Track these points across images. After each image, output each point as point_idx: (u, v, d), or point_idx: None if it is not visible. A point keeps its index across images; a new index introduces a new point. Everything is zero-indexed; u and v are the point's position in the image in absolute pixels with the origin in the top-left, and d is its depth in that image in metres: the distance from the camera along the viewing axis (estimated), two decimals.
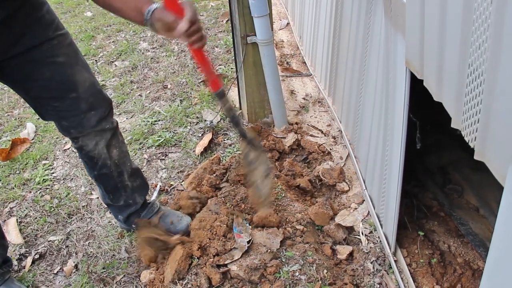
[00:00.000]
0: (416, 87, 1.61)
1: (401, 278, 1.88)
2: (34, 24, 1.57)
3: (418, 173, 2.47)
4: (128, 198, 2.07)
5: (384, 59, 1.90)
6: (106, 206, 2.31)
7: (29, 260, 2.19)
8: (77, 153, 2.93)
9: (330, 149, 2.70)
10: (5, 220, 2.44)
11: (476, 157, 1.10)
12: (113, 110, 1.89)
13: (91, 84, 1.73)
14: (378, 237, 2.10)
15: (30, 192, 2.65)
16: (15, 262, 2.17)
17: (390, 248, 1.98)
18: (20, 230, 2.37)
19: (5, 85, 3.65)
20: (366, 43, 2.20)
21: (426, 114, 2.12)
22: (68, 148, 3.04)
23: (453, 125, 1.24)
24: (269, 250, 1.93)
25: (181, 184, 2.51)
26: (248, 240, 1.95)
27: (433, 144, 2.63)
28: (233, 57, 2.99)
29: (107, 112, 1.82)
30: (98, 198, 2.53)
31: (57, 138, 3.17)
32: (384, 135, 1.98)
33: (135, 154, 2.84)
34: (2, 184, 2.74)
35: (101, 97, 1.79)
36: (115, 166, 1.94)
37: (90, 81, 1.73)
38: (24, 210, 2.51)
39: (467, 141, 1.15)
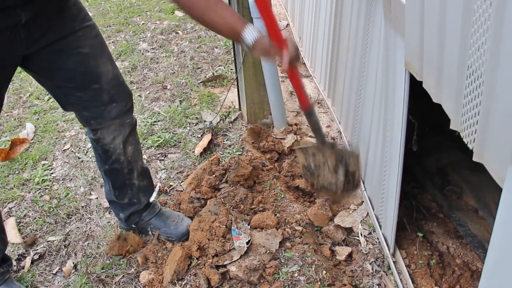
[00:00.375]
0: (416, 88, 1.61)
1: (400, 279, 1.89)
2: (60, 17, 1.60)
3: (417, 174, 2.48)
4: (133, 197, 2.08)
5: (384, 61, 1.91)
6: (108, 204, 2.32)
7: (28, 261, 2.18)
8: (75, 154, 2.94)
9: None
10: (4, 220, 2.44)
11: (475, 158, 1.11)
12: (133, 104, 1.91)
13: (114, 76, 1.75)
14: (377, 238, 2.10)
15: (29, 192, 2.65)
16: (14, 263, 2.17)
17: (389, 249, 1.98)
18: (19, 230, 2.37)
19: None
20: (365, 44, 2.20)
21: (425, 116, 2.12)
22: (68, 149, 3.04)
23: (452, 126, 1.25)
24: (268, 251, 1.94)
25: (181, 185, 2.52)
26: (247, 241, 1.95)
27: (432, 145, 2.63)
28: (233, 58, 2.99)
29: (128, 106, 1.86)
30: (97, 198, 2.53)
31: (56, 138, 3.16)
32: (383, 136, 1.98)
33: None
34: (1, 184, 2.74)
35: (123, 90, 1.82)
36: (128, 163, 1.96)
37: (114, 73, 1.75)
38: (23, 210, 2.51)
39: (466, 143, 1.16)
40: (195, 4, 1.45)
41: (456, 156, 2.54)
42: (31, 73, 1.72)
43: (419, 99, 1.71)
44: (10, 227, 2.38)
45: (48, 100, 3.66)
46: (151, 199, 2.20)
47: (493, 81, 0.97)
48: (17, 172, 2.84)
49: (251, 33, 1.45)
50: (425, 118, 2.14)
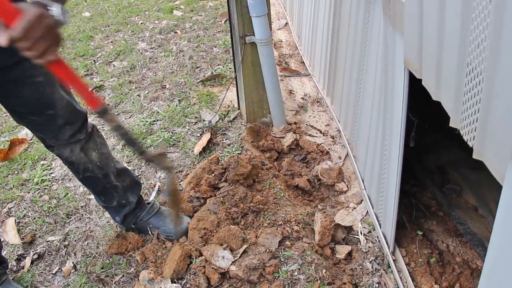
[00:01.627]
0: (415, 86, 1.61)
1: (400, 278, 1.88)
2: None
3: (417, 172, 2.47)
4: (120, 199, 2.07)
5: (383, 59, 1.90)
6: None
7: (27, 261, 2.18)
8: None
9: (329, 149, 2.70)
10: (3, 220, 2.43)
11: (474, 156, 1.10)
12: (87, 119, 1.89)
13: (67, 102, 1.74)
14: (377, 236, 2.10)
15: (29, 192, 2.65)
16: (13, 263, 2.17)
17: (388, 248, 1.98)
18: (18, 230, 2.37)
19: None
20: (364, 42, 2.20)
21: (424, 114, 2.12)
22: None
23: (451, 124, 1.24)
24: (267, 250, 1.93)
25: (180, 184, 2.51)
26: None
27: (432, 143, 2.63)
28: (232, 57, 2.98)
29: (81, 124, 1.84)
30: None
31: None
32: (382, 134, 1.98)
33: (133, 154, 2.84)
34: (0, 184, 2.73)
35: (76, 114, 1.81)
36: (98, 168, 1.94)
37: (66, 99, 1.74)
38: (23, 211, 2.50)
39: (466, 140, 1.15)
40: None
41: (455, 154, 2.54)
42: None
43: (418, 97, 1.71)
44: (10, 227, 2.38)
45: None
46: (151, 199, 2.20)
47: (493, 78, 0.97)
48: (16, 172, 2.84)
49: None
50: (425, 116, 2.14)
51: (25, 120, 1.74)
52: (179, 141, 2.91)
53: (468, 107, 1.12)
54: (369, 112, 2.18)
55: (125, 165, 2.41)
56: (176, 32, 4.75)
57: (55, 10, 1.27)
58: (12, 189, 2.68)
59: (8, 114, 3.47)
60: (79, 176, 1.98)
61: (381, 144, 2.00)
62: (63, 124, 1.75)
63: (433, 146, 2.62)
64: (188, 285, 1.86)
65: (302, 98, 3.29)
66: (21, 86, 1.61)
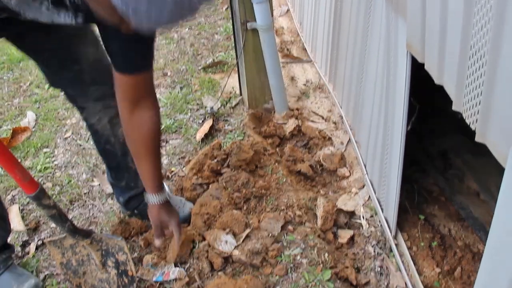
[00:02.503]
0: (417, 72, 1.61)
1: (402, 261, 1.90)
2: None
3: (419, 158, 2.48)
4: (130, 181, 2.08)
5: (385, 43, 1.90)
6: (109, 190, 2.35)
7: (32, 247, 2.20)
8: (76, 141, 2.95)
9: (331, 135, 2.71)
10: (8, 207, 2.45)
11: (477, 139, 1.11)
12: None
13: (96, 59, 1.74)
14: (379, 221, 2.11)
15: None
16: (18, 249, 2.18)
17: (390, 232, 1.99)
18: (22, 217, 2.38)
19: (4, 75, 3.63)
20: (366, 27, 2.19)
21: (426, 99, 2.12)
22: (69, 136, 3.04)
23: (454, 108, 1.25)
24: (270, 234, 1.94)
25: (182, 170, 2.52)
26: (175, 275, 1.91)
27: (434, 129, 2.63)
28: (233, 44, 2.98)
29: (111, 88, 1.83)
30: (99, 185, 2.54)
31: (57, 126, 3.17)
32: (385, 119, 1.98)
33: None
34: (3, 172, 2.74)
35: (108, 74, 1.79)
36: (120, 144, 1.95)
37: (96, 56, 1.73)
38: (26, 198, 2.52)
39: (468, 124, 1.16)
40: (129, 146, 1.66)
41: (458, 140, 2.54)
42: (21, 50, 1.72)
43: (420, 82, 1.71)
44: (14, 214, 2.39)
45: (48, 88, 3.66)
46: None
47: (496, 61, 0.97)
48: (19, 160, 2.84)
49: (153, 199, 1.69)
50: (426, 102, 2.14)
51: (56, 77, 1.76)
52: (181, 128, 2.92)
53: (471, 90, 1.12)
54: (371, 98, 2.18)
55: None
56: None
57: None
58: None
59: (10, 104, 3.48)
60: (100, 147, 2.00)
61: (383, 129, 2.01)
62: (90, 82, 1.76)
63: (435, 131, 2.63)
64: (191, 269, 1.88)
65: (304, 85, 3.29)
66: (48, 38, 1.62)
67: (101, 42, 1.63)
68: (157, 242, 1.80)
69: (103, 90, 1.80)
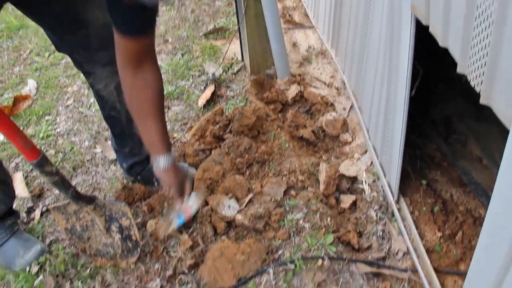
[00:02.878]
0: (421, 35, 1.59)
1: (404, 226, 1.91)
2: None
3: (422, 124, 2.47)
4: (134, 147, 2.09)
5: (389, 7, 1.86)
6: (112, 157, 2.36)
7: (37, 213, 2.22)
8: (78, 109, 2.94)
9: (333, 101, 2.69)
10: (12, 174, 2.46)
11: (482, 101, 1.10)
12: None
13: (104, 24, 1.70)
14: (381, 186, 2.12)
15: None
16: (23, 215, 2.20)
17: (393, 197, 2.00)
18: (26, 184, 2.40)
19: (4, 44, 3.60)
20: None
21: (429, 65, 2.09)
22: (71, 104, 3.03)
23: (459, 70, 1.23)
24: (273, 199, 1.96)
25: (185, 136, 2.52)
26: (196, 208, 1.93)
27: (437, 95, 2.61)
28: (235, 10, 2.93)
29: None
30: (102, 151, 2.55)
31: (59, 94, 3.15)
32: (388, 84, 1.97)
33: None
34: (6, 140, 2.75)
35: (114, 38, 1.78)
36: (125, 112, 1.94)
37: (104, 21, 1.70)
38: (30, 165, 2.52)
39: (473, 86, 1.14)
40: (130, 109, 1.64)
41: (461, 106, 2.53)
42: (26, 14, 1.70)
43: (423, 48, 1.69)
44: (18, 181, 2.41)
45: (48, 56, 3.63)
46: None
47: (503, 21, 0.95)
48: (21, 128, 2.85)
49: (165, 161, 1.68)
50: (430, 67, 2.11)
51: (63, 41, 1.74)
52: (183, 94, 2.90)
53: (477, 51, 1.10)
54: (374, 63, 2.16)
55: None
56: None
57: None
58: None
59: (11, 73, 3.47)
60: (104, 113, 2.00)
61: (386, 94, 1.99)
62: (97, 47, 1.74)
63: (438, 97, 2.61)
64: (195, 234, 1.90)
65: (306, 51, 3.26)
66: (53, 2, 1.60)
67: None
68: (179, 201, 1.83)
69: (110, 55, 1.77)
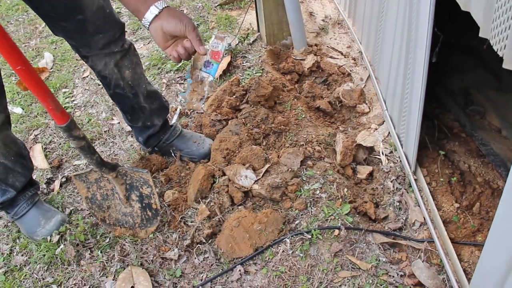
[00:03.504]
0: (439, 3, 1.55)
1: (421, 196, 1.90)
2: None
3: (440, 94, 2.44)
4: (146, 120, 2.09)
5: None
6: (129, 128, 2.35)
7: (56, 184, 2.25)
8: (94, 81, 2.95)
9: (350, 71, 2.66)
10: (31, 146, 2.49)
11: (505, 65, 1.07)
12: (124, 33, 1.86)
13: (99, 7, 1.69)
14: (398, 157, 2.10)
15: (53, 119, 2.68)
16: (43, 186, 2.24)
17: (410, 167, 1.99)
18: (45, 155, 2.43)
19: (19, 17, 3.59)
20: None
21: (449, 33, 2.05)
22: (87, 76, 3.04)
23: (481, 34, 1.20)
24: (290, 169, 1.96)
25: (202, 107, 2.51)
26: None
27: (456, 64, 2.57)
28: None
29: (117, 35, 1.80)
30: (119, 123, 2.56)
31: (75, 66, 3.16)
32: (406, 53, 1.93)
33: (154, 79, 2.84)
34: (25, 112, 2.78)
35: (110, 21, 1.76)
36: (129, 87, 1.94)
37: (99, 5, 1.69)
38: (48, 137, 2.56)
39: (496, 50, 1.12)
40: None
41: (480, 76, 2.48)
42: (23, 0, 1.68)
43: (442, 16, 1.64)
44: (37, 152, 2.44)
45: None
46: (172, 122, 2.21)
47: None
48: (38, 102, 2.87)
49: (162, 3, 1.39)
50: (448, 36, 2.07)
51: (57, 27, 1.72)
52: None
53: (501, 14, 1.07)
54: (392, 31, 2.12)
55: (156, 87, 2.40)
56: None
57: None
58: (37, 116, 2.73)
59: (27, 46, 3.48)
60: (110, 91, 2.00)
61: (405, 64, 1.96)
62: (94, 31, 1.72)
63: (456, 67, 2.56)
64: (212, 204, 1.91)
65: (323, 20, 3.21)
66: None
67: None
68: (202, 49, 1.43)
69: (107, 38, 1.77)
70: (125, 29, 1.85)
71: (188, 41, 1.40)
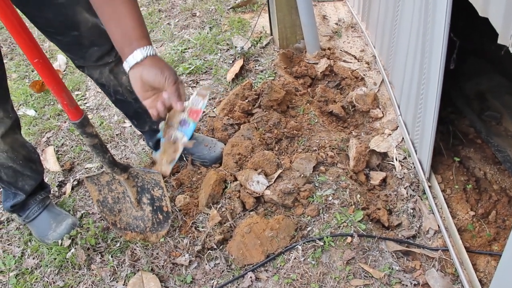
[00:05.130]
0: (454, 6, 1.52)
1: (435, 204, 1.87)
2: None
3: (455, 99, 2.40)
4: (152, 124, 2.08)
5: None
6: (139, 133, 2.34)
7: (68, 187, 2.25)
8: None
9: (364, 75, 2.64)
10: (43, 149, 2.50)
11: None
12: None
13: (93, 24, 1.70)
14: (412, 163, 2.07)
15: (65, 122, 2.70)
16: (55, 189, 2.24)
17: (424, 174, 1.96)
18: (57, 158, 2.43)
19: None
20: None
21: (463, 38, 2.02)
22: None
23: (500, 41, 1.17)
24: (302, 175, 1.94)
25: (213, 111, 2.51)
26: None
27: (471, 69, 2.53)
28: None
29: (109, 47, 1.80)
30: (131, 126, 2.56)
31: None
32: (421, 58, 1.90)
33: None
34: (38, 115, 2.79)
35: (104, 36, 1.74)
36: (128, 92, 1.93)
37: (93, 22, 1.70)
38: (61, 140, 2.56)
39: None
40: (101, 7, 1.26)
41: (496, 81, 2.44)
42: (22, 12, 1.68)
43: (457, 21, 1.61)
44: (49, 155, 2.45)
45: None
46: None
47: None
48: (52, 103, 2.88)
49: (150, 50, 1.23)
50: (464, 40, 2.04)
51: (53, 40, 1.74)
52: (211, 68, 2.88)
53: None
54: (407, 35, 2.09)
55: None
56: None
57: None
58: (49, 119, 2.73)
59: (42, 49, 3.49)
60: (111, 98, 2.00)
61: (420, 68, 1.93)
62: (89, 45, 1.74)
63: (472, 71, 2.52)
64: (223, 209, 1.90)
65: (336, 24, 3.18)
66: (43, 7, 1.60)
67: None
68: (180, 105, 1.24)
69: (102, 51, 1.78)
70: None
71: (166, 93, 1.25)
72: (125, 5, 1.23)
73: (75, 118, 1.56)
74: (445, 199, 1.88)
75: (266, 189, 1.92)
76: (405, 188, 1.98)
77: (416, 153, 2.05)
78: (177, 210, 1.98)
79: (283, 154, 2.11)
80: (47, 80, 1.44)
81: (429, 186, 1.94)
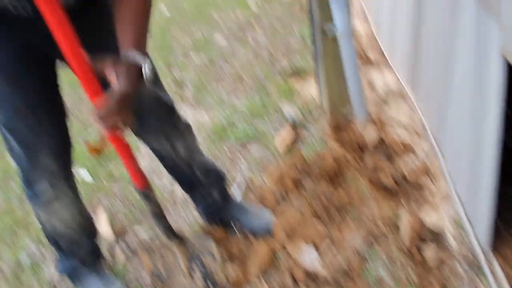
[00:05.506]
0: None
1: (496, 284, 1.78)
2: None
3: None
4: (204, 192, 2.12)
5: (474, 48, 1.78)
6: (190, 200, 2.39)
7: (119, 254, 2.28)
8: None
9: (413, 145, 2.61)
10: (96, 212, 2.56)
11: None
12: (175, 112, 1.92)
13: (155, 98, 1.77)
14: (468, 238, 2.00)
15: (116, 183, 2.76)
16: (107, 254, 2.27)
17: (482, 251, 1.88)
18: (110, 223, 2.48)
19: None
20: (452, 30, 2.08)
21: None
22: None
23: None
24: (352, 248, 1.91)
25: (263, 179, 2.52)
26: None
27: None
28: (311, 49, 2.95)
29: (166, 114, 1.86)
30: (182, 193, 2.60)
31: None
32: (474, 131, 1.88)
33: (215, 148, 2.89)
34: (93, 181, 2.86)
35: (159, 103, 1.82)
36: (183, 161, 1.98)
37: (155, 95, 1.76)
38: (113, 203, 2.62)
39: None
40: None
41: None
42: None
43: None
44: (103, 220, 2.50)
45: None
46: (236, 196, 2.22)
47: None
48: (103, 165, 2.96)
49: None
50: None
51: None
52: (260, 135, 2.92)
53: None
54: (458, 107, 2.08)
55: (211, 159, 2.45)
56: (252, 25, 4.74)
57: (147, 69, 1.35)
58: (104, 183, 2.81)
59: None
60: (168, 169, 2.06)
61: (473, 141, 1.90)
62: (146, 112, 1.77)
63: None
64: (273, 283, 1.88)
65: (384, 91, 3.20)
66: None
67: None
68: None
69: (158, 118, 1.83)
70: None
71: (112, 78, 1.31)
72: (131, 25, 1.34)
73: (142, 187, 1.62)
74: (506, 279, 1.79)
75: (316, 261, 1.90)
76: (461, 266, 1.91)
77: (473, 228, 1.98)
78: (226, 281, 1.96)
79: (333, 224, 2.09)
80: (119, 149, 1.50)
81: (488, 265, 1.85)
